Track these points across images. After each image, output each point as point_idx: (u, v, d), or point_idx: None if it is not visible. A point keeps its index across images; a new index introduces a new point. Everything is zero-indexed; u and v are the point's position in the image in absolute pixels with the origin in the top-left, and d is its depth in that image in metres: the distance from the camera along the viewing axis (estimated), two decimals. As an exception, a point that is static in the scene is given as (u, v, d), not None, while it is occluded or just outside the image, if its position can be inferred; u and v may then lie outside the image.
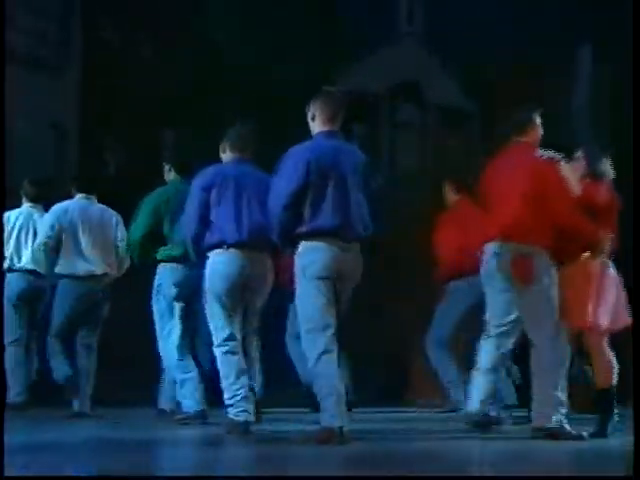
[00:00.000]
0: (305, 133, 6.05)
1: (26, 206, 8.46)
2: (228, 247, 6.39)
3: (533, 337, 6.10)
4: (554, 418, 5.98)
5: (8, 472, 3.73)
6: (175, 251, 7.17)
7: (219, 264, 6.40)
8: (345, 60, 13.10)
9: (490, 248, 6.22)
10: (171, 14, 12.40)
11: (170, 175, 7.53)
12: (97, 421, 7.51)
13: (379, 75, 13.44)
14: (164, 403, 7.64)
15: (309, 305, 5.73)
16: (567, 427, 6.02)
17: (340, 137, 5.87)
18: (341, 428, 5.65)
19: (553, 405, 5.99)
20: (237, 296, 6.42)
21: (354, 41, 12.94)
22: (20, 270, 8.28)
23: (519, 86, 13.30)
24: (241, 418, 6.25)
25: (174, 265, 7.18)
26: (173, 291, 7.19)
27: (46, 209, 8.13)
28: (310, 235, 5.69)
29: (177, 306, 7.21)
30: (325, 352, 5.67)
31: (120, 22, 12.22)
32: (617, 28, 11.80)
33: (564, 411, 6.04)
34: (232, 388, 6.29)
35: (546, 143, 6.46)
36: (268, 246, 6.33)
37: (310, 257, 5.69)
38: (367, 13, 12.88)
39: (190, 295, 7.11)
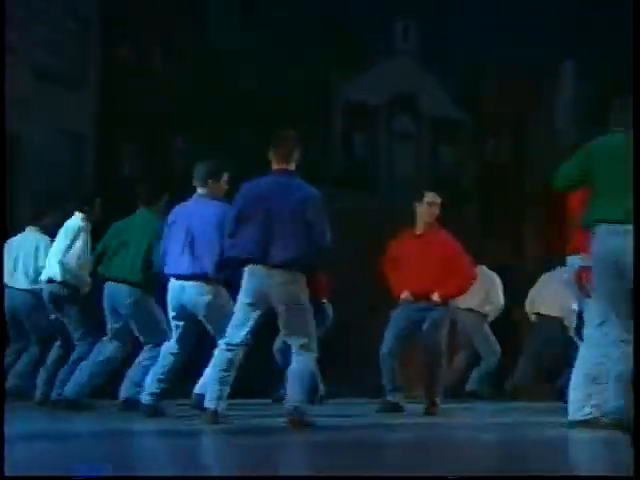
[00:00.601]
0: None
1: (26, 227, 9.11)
2: (172, 278, 7.19)
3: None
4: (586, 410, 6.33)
5: (9, 471, 3.86)
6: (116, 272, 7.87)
7: (168, 292, 7.26)
8: (345, 72, 13.68)
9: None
10: (184, 29, 12.94)
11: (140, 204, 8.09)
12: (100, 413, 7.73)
13: (377, 88, 14.08)
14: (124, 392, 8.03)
15: (226, 315, 6.61)
16: (603, 419, 6.27)
17: (291, 174, 6.45)
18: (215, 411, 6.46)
19: (587, 398, 6.33)
20: (181, 317, 7.21)
21: (354, 55, 13.52)
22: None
23: (510, 95, 13.90)
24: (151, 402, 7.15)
25: (115, 284, 7.81)
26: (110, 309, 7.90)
27: (44, 228, 8.78)
28: (237, 260, 6.45)
29: (109, 321, 7.91)
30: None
31: (135, 38, 12.75)
32: (608, 30, 12.25)
33: (596, 402, 6.29)
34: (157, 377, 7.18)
35: None
36: (207, 276, 7.05)
37: (244, 280, 6.43)
38: (365, 30, 13.40)
39: (126, 315, 7.80)
